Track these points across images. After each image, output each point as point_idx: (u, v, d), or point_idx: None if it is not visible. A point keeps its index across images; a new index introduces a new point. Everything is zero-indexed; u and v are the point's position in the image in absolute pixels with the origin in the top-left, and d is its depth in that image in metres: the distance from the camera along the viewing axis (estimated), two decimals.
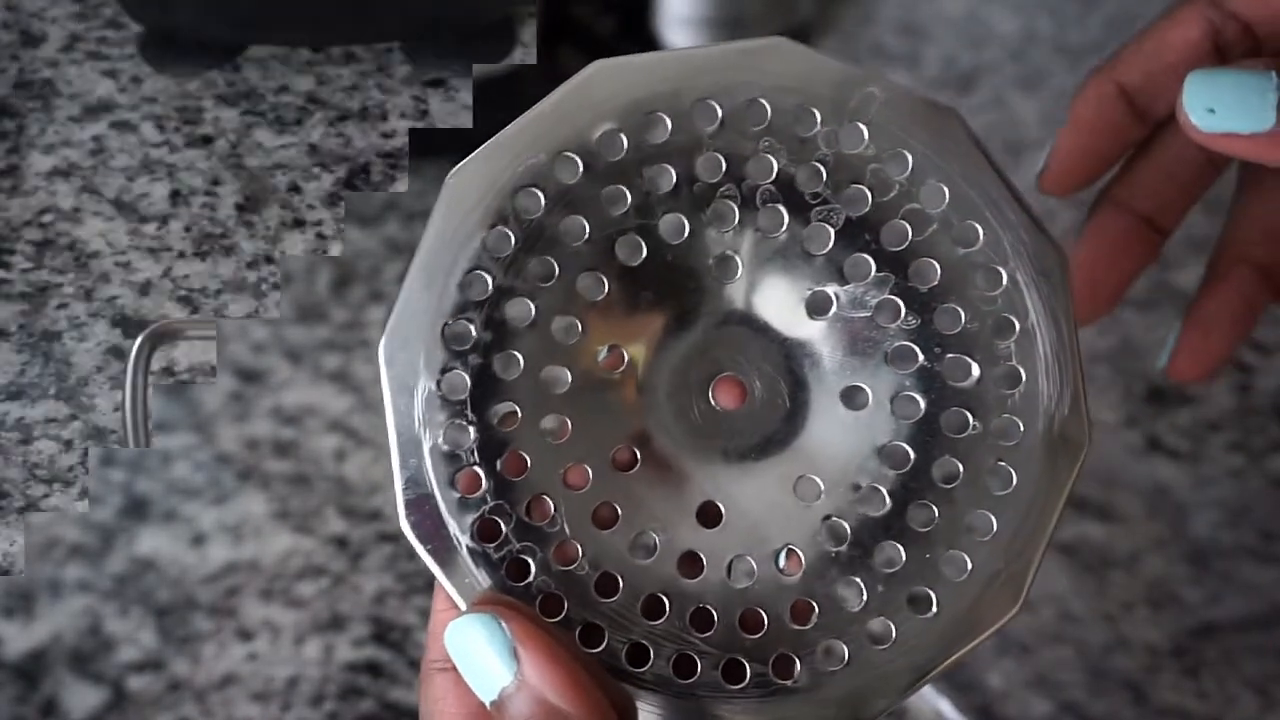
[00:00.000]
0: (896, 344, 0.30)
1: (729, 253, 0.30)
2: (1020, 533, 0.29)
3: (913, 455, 0.30)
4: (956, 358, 0.29)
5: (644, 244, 0.29)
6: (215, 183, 0.56)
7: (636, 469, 0.30)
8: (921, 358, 0.29)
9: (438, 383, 0.29)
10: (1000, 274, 0.29)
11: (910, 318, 0.30)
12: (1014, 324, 0.29)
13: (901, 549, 0.30)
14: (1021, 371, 0.29)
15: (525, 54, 0.58)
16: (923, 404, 0.30)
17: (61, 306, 0.52)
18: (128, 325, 0.51)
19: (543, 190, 0.29)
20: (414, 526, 0.30)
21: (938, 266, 0.29)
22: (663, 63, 0.29)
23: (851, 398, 0.30)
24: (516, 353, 0.29)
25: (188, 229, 0.54)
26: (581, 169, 0.29)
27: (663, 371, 0.30)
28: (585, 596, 0.29)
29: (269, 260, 0.53)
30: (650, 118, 0.29)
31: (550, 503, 0.30)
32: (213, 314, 0.51)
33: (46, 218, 0.54)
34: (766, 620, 0.29)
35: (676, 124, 0.29)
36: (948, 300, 0.29)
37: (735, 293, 0.30)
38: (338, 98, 0.58)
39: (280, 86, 0.59)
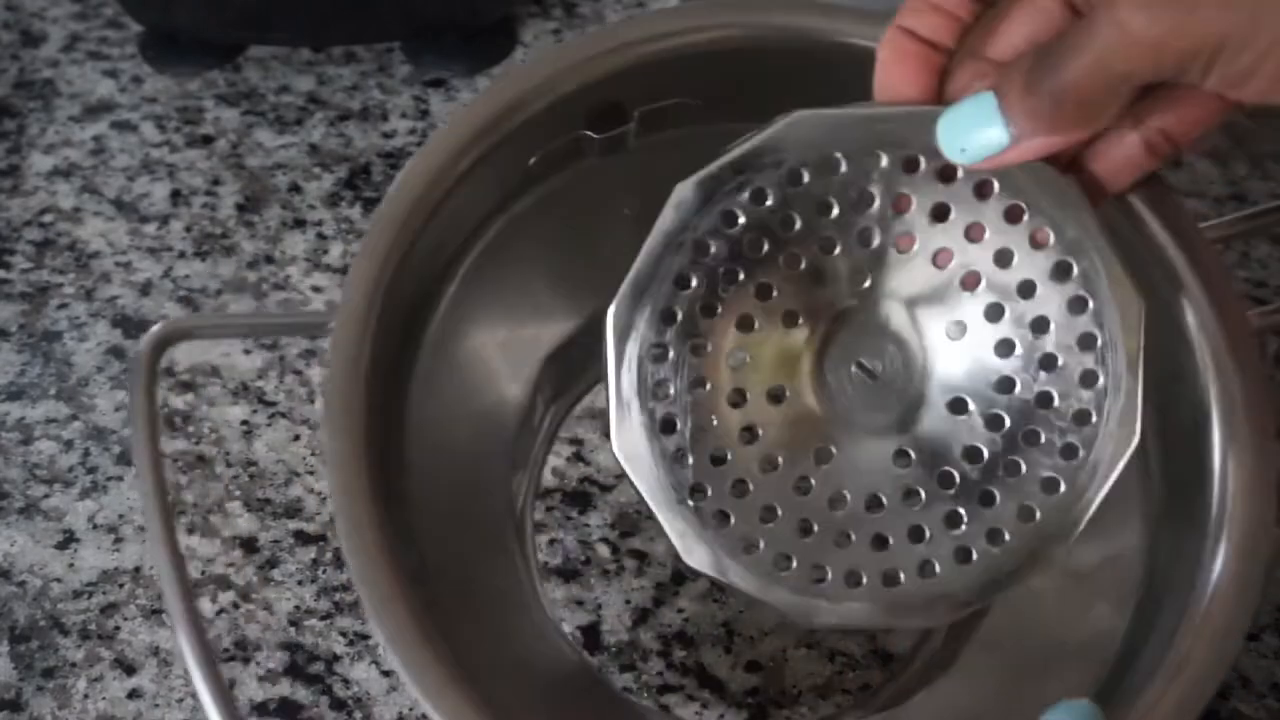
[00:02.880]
0: (1003, 374, 0.38)
1: (889, 272, 0.38)
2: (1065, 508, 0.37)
3: (987, 457, 0.38)
4: (1045, 391, 0.37)
5: (835, 246, 0.38)
6: (215, 183, 0.56)
7: (781, 405, 0.38)
8: (1019, 388, 0.38)
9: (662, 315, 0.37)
10: (1095, 337, 0.37)
11: (1018, 358, 0.38)
12: (1098, 376, 0.37)
13: (962, 511, 0.38)
14: (1092, 413, 0.37)
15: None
16: (1008, 422, 0.38)
17: (61, 306, 0.52)
18: (128, 325, 0.51)
19: (744, 209, 0.37)
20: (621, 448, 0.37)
21: (1049, 319, 0.37)
22: (850, 116, 0.36)
23: (956, 405, 0.38)
24: (718, 303, 0.38)
25: (188, 229, 0.54)
26: (784, 191, 0.37)
27: (824, 342, 0.38)
28: (720, 490, 0.37)
29: (269, 260, 0.53)
30: (834, 160, 0.36)
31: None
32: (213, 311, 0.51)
33: (46, 218, 0.54)
34: (854, 541, 0.38)
35: (856, 166, 0.36)
36: (1049, 346, 0.37)
37: (894, 304, 0.38)
38: (338, 98, 0.58)
39: (280, 86, 0.59)
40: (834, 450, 0.38)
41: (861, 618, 0.38)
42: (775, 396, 0.38)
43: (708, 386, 0.38)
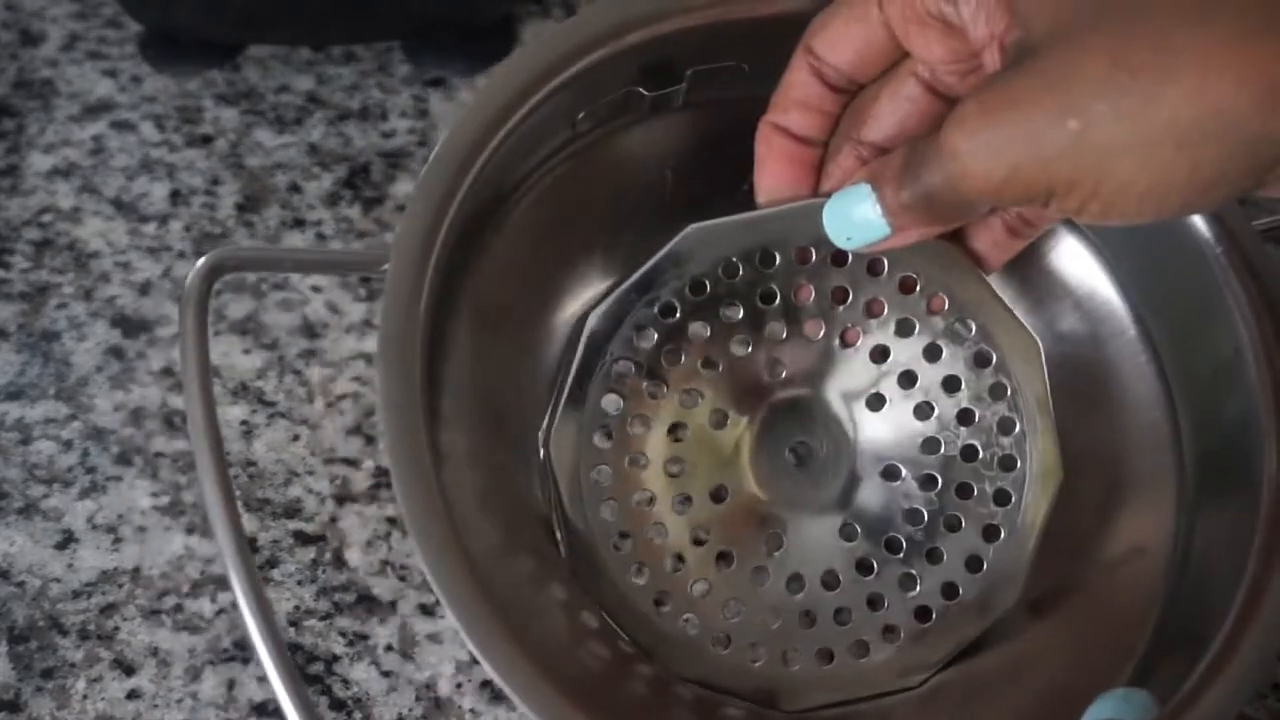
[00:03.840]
0: (926, 435, 0.40)
1: (802, 358, 0.40)
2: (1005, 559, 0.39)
3: (927, 517, 0.40)
4: (969, 444, 0.39)
5: (748, 344, 0.40)
6: (215, 182, 0.56)
7: (725, 503, 0.39)
8: (944, 446, 0.40)
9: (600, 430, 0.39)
10: (1005, 385, 0.39)
11: (937, 419, 0.39)
12: (1015, 422, 0.39)
13: (914, 572, 0.40)
14: (1016, 457, 0.39)
15: None
16: (940, 480, 0.40)
17: (61, 306, 0.52)
18: (127, 325, 0.51)
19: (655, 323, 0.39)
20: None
21: (959, 377, 0.39)
22: (739, 222, 0.38)
23: (889, 473, 0.40)
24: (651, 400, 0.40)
25: (187, 229, 0.54)
26: (707, 290, 0.39)
27: (756, 435, 0.40)
28: (682, 595, 0.39)
29: None
30: (732, 264, 0.38)
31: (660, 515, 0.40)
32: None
33: (46, 217, 0.54)
34: (818, 619, 0.39)
35: (753, 267, 0.39)
36: (964, 402, 0.39)
37: (814, 387, 0.40)
38: (338, 98, 0.58)
39: (280, 86, 0.59)
40: (783, 536, 0.40)
41: (839, 692, 0.39)
42: (718, 496, 0.40)
43: (653, 498, 0.39)
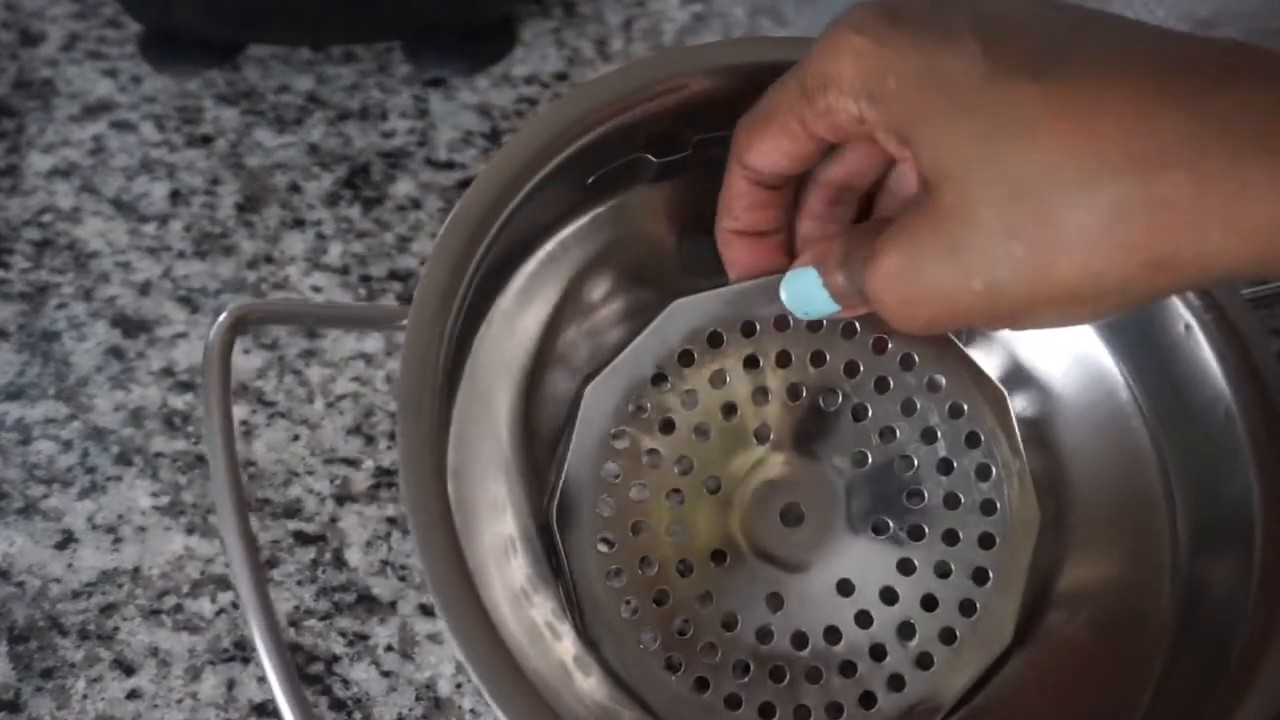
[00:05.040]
0: (910, 488, 0.41)
1: (787, 421, 0.42)
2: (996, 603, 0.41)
3: (919, 566, 0.41)
4: (950, 493, 0.41)
5: (736, 411, 0.41)
6: (215, 182, 0.56)
7: (725, 566, 0.41)
8: (928, 497, 0.41)
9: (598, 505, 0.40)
10: (978, 434, 0.41)
11: (918, 470, 0.41)
12: (990, 468, 0.41)
13: (912, 621, 0.41)
14: (995, 501, 0.41)
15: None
16: (927, 530, 0.41)
17: (60, 306, 0.52)
18: (127, 325, 0.51)
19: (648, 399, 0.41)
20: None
21: (935, 429, 0.41)
22: (718, 296, 0.40)
23: (879, 527, 0.41)
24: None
25: (187, 229, 0.54)
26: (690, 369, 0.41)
27: (748, 499, 0.41)
28: (692, 657, 0.40)
29: (268, 260, 0.53)
30: (717, 335, 0.40)
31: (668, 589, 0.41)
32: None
33: (46, 218, 0.54)
34: (825, 674, 0.40)
35: (737, 336, 0.41)
36: (942, 452, 0.41)
37: (801, 449, 0.41)
38: (338, 98, 0.58)
39: (280, 86, 0.59)
40: (783, 595, 0.41)
41: None
42: (717, 559, 0.41)
43: (657, 565, 0.41)
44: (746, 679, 0.40)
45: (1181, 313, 0.40)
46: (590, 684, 0.40)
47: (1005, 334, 0.43)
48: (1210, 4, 0.54)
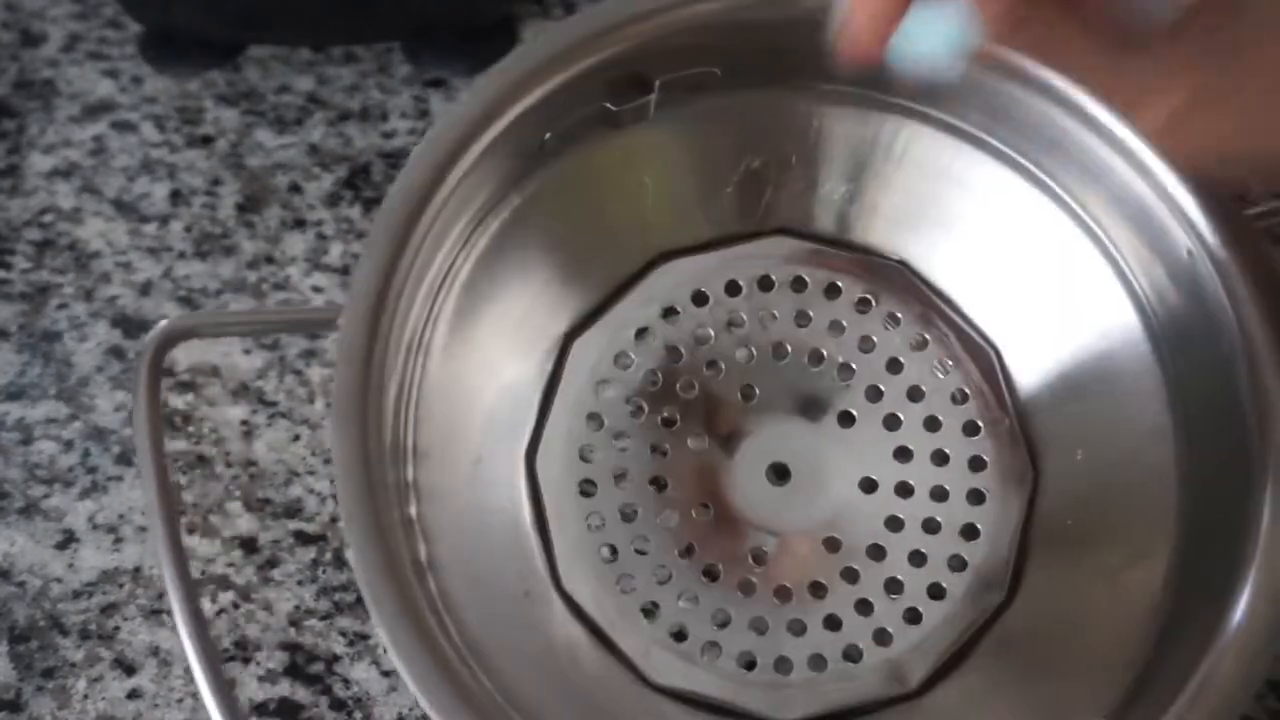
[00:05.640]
0: (897, 445, 0.41)
1: (772, 380, 0.41)
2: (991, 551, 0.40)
3: (907, 523, 0.40)
4: (938, 449, 0.41)
5: (721, 369, 0.41)
6: (215, 183, 0.56)
7: (709, 519, 0.40)
8: (916, 455, 0.41)
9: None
10: (965, 391, 0.41)
11: (906, 429, 0.41)
12: (979, 425, 0.40)
13: (900, 576, 0.40)
14: (984, 457, 0.40)
15: None
16: (915, 487, 0.41)
17: (61, 306, 0.52)
18: (128, 325, 0.51)
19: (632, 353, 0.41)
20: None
21: (921, 386, 0.41)
22: (705, 255, 0.41)
23: (867, 485, 0.41)
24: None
25: (188, 229, 0.54)
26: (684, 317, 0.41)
27: (734, 456, 0.41)
28: (671, 606, 0.39)
29: (269, 260, 0.53)
30: (703, 294, 0.41)
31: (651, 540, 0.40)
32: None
33: (46, 218, 0.54)
34: (808, 627, 0.39)
35: (722, 296, 0.41)
36: (928, 410, 0.41)
37: (786, 408, 0.41)
38: (338, 98, 0.58)
39: (280, 86, 0.59)
40: (767, 551, 0.40)
41: (834, 699, 0.39)
42: (701, 511, 0.40)
43: (637, 513, 0.40)
44: (726, 630, 0.39)
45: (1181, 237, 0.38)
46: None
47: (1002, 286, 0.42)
48: None
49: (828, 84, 0.41)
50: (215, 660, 0.36)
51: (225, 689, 0.36)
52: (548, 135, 0.40)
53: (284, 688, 0.44)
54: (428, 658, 0.34)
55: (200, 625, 0.36)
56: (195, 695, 0.43)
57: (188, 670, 0.44)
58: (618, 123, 0.41)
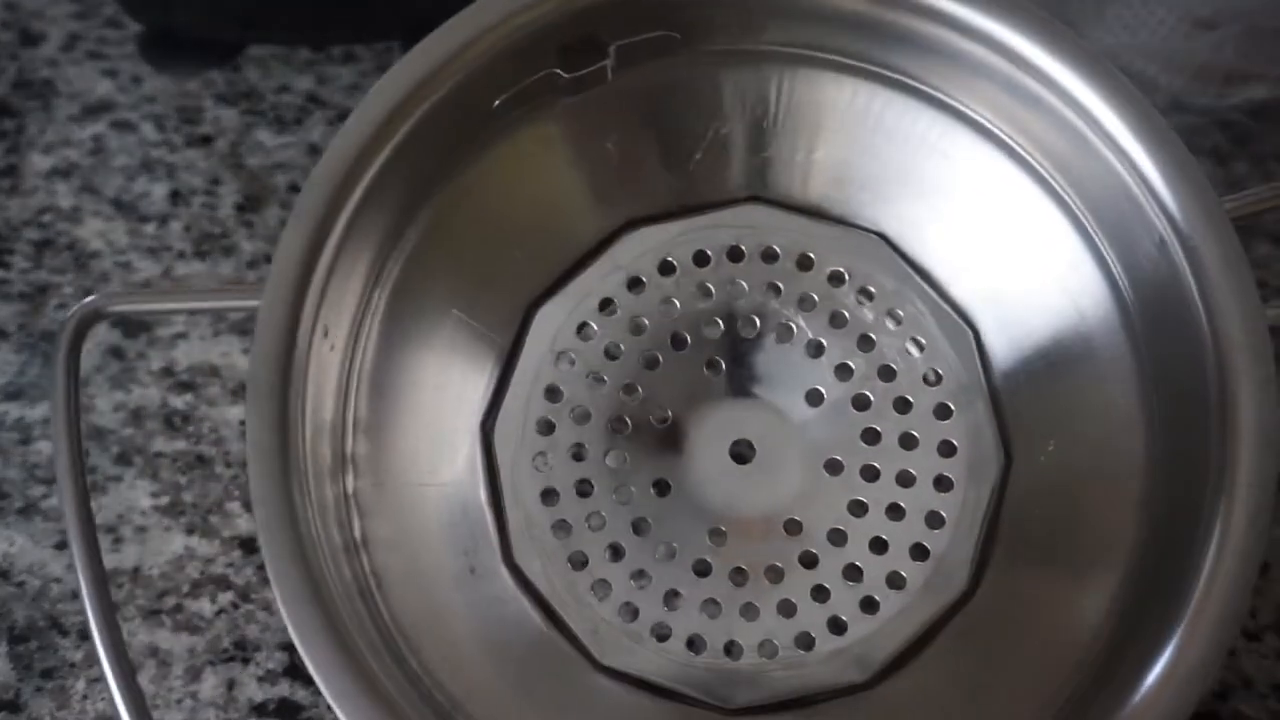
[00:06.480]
0: (865, 426, 0.40)
1: (739, 355, 0.40)
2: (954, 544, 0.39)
3: (870, 508, 0.39)
4: (907, 432, 0.39)
5: (686, 342, 0.40)
6: (215, 183, 0.56)
7: (667, 497, 0.39)
8: (884, 437, 0.39)
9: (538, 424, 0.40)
10: (938, 372, 0.39)
11: (874, 410, 0.40)
12: (950, 409, 0.39)
13: (859, 564, 0.39)
14: (954, 442, 0.39)
15: None
16: (881, 471, 0.39)
17: (61, 306, 0.52)
18: (128, 325, 0.51)
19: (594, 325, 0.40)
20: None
21: (893, 366, 0.40)
22: (673, 224, 0.40)
23: (832, 466, 0.40)
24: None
25: (187, 229, 0.54)
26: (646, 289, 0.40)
27: (697, 433, 0.40)
28: (622, 584, 0.39)
29: (269, 260, 0.53)
30: (670, 263, 0.40)
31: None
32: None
33: (46, 217, 0.54)
34: (761, 611, 0.39)
35: (690, 266, 0.40)
36: (899, 390, 0.40)
37: (753, 385, 0.40)
38: (338, 98, 0.58)
39: (280, 86, 0.59)
40: (726, 531, 0.39)
41: (783, 687, 0.38)
42: (659, 490, 0.40)
43: (592, 488, 0.39)
44: (677, 610, 0.38)
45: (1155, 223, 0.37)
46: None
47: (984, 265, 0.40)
48: (1210, 3, 0.54)
49: (799, 48, 0.39)
50: (131, 675, 0.36)
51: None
52: (496, 103, 0.38)
53: (284, 688, 0.43)
54: (331, 643, 0.33)
55: (116, 637, 0.36)
56: (194, 695, 0.43)
57: (188, 670, 0.44)
58: (572, 90, 0.40)
